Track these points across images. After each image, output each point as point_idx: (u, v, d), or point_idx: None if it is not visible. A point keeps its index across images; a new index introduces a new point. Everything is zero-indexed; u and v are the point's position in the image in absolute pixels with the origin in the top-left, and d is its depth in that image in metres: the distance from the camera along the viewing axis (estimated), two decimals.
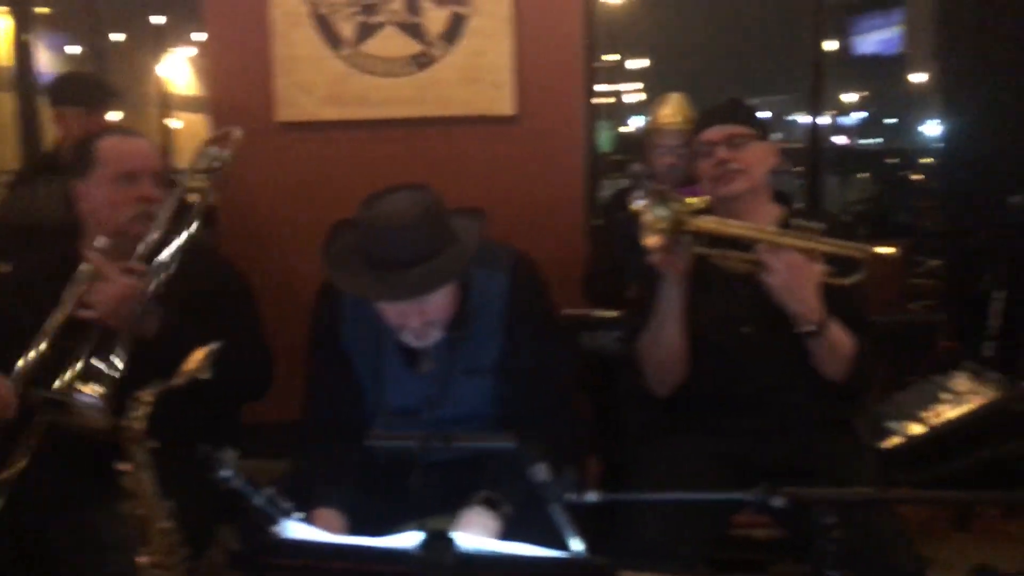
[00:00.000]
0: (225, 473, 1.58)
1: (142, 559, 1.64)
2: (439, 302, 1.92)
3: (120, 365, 1.94)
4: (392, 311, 1.93)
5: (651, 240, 2.01)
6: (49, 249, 2.30)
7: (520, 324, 2.06)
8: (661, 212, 2.00)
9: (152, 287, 2.04)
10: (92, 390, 1.90)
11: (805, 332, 2.07)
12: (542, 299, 2.14)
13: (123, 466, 1.64)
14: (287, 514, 1.63)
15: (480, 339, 2.05)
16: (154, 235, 2.15)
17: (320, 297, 2.16)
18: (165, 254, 2.11)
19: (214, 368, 1.65)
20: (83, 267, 2.09)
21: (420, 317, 1.91)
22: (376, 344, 2.07)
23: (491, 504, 1.86)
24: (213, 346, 1.64)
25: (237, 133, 2.39)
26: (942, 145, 4.61)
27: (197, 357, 1.62)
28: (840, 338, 2.10)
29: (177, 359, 1.78)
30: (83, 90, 3.63)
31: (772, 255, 2.03)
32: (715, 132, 2.26)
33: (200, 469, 2.13)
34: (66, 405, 1.91)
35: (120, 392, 1.85)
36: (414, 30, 3.84)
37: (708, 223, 2.05)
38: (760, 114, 2.39)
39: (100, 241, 2.09)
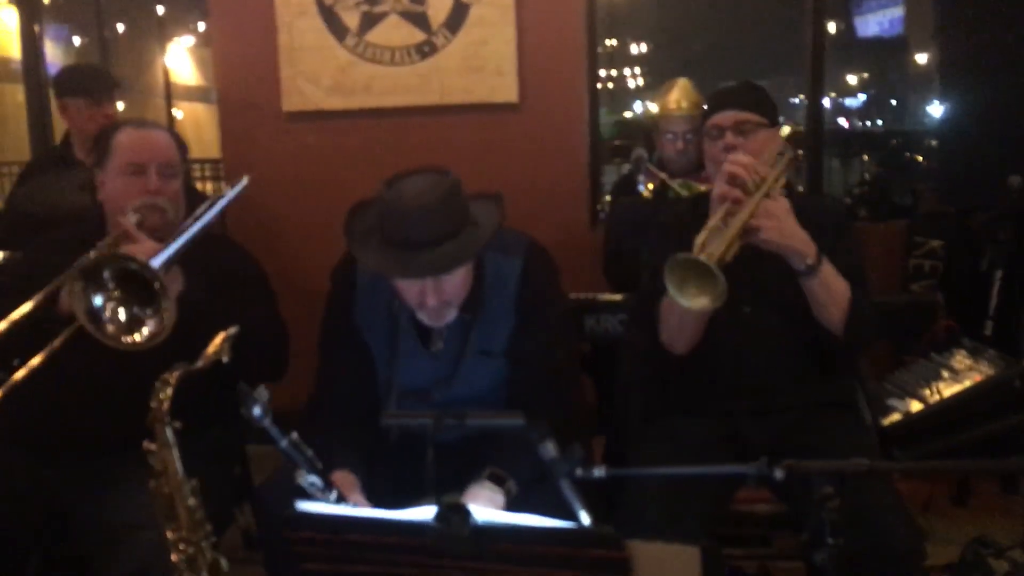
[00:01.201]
0: (257, 411, 1.65)
1: (169, 535, 1.70)
2: (456, 282, 1.98)
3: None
4: (410, 290, 1.98)
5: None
6: (67, 236, 2.34)
7: (531, 308, 2.11)
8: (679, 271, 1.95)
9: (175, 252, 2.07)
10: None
11: (806, 267, 2.11)
12: (553, 285, 2.19)
13: (149, 445, 1.69)
14: (310, 462, 1.72)
15: (493, 321, 2.10)
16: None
17: (334, 277, 2.21)
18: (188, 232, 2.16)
19: (235, 348, 1.70)
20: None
21: (437, 296, 1.96)
22: (390, 323, 2.12)
23: (497, 480, 1.92)
24: (233, 330, 1.70)
25: (245, 180, 2.51)
26: (943, 126, 4.62)
27: (218, 340, 1.67)
28: (835, 279, 2.16)
29: (198, 326, 1.89)
30: (87, 81, 3.66)
31: (757, 219, 2.07)
32: (724, 117, 2.29)
33: (217, 451, 2.22)
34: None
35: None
36: (418, 19, 3.88)
37: (718, 251, 1.99)
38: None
39: (132, 216, 2.15)
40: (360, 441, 2.07)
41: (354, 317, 2.16)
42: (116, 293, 1.94)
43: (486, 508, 1.73)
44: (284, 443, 1.73)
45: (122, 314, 1.95)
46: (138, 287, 1.94)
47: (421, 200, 1.90)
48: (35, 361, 2.03)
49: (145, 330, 1.93)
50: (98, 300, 1.93)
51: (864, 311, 2.17)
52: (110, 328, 1.94)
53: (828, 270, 2.14)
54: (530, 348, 2.10)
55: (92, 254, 1.95)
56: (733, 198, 2.07)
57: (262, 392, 1.69)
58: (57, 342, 2.04)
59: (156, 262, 1.94)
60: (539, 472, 1.68)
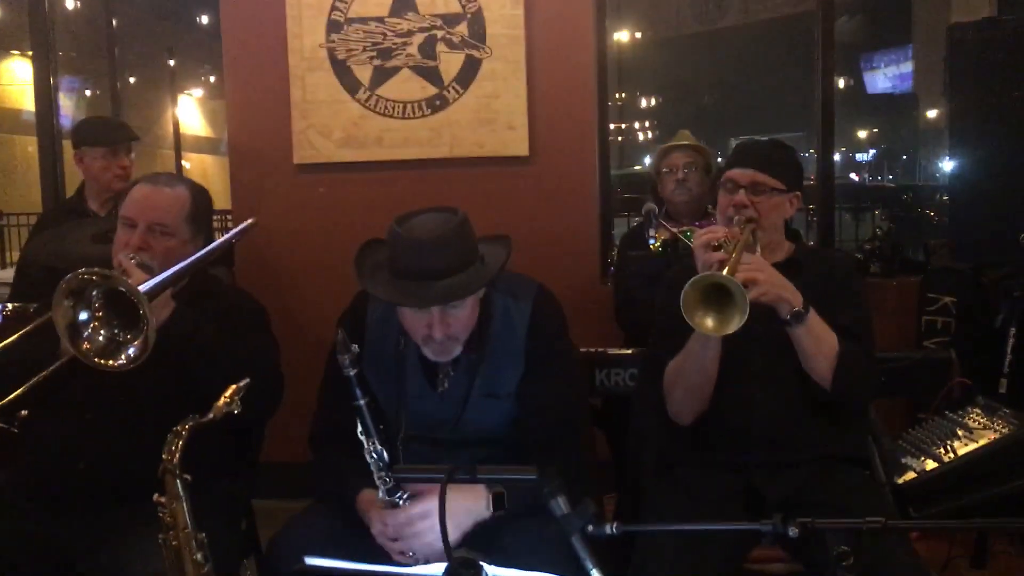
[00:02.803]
0: (346, 360, 1.87)
1: None
2: (462, 317, 2.03)
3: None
4: (417, 323, 2.02)
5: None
6: None
7: (540, 354, 2.13)
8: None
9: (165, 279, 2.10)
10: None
11: (792, 315, 2.11)
12: (561, 331, 2.22)
13: (160, 498, 1.69)
14: (379, 432, 1.91)
15: (499, 364, 2.12)
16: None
17: (342, 324, 2.22)
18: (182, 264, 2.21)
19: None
20: None
21: (443, 329, 2.00)
22: (397, 365, 2.15)
23: (496, 500, 1.93)
24: (244, 381, 1.70)
25: (251, 220, 2.62)
26: (954, 182, 4.62)
27: (229, 392, 1.67)
28: (822, 330, 2.16)
29: (185, 356, 2.04)
30: (105, 132, 3.73)
31: (750, 272, 2.07)
32: (742, 174, 2.30)
33: (224, 505, 2.20)
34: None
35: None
36: (429, 73, 3.93)
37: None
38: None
39: (134, 257, 2.18)
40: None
41: (360, 362, 2.15)
42: (101, 313, 1.96)
43: (468, 507, 1.86)
44: (361, 402, 1.88)
45: (103, 335, 1.96)
46: (123, 311, 1.95)
47: (431, 234, 1.98)
48: (18, 392, 2.08)
49: (123, 354, 1.95)
50: (83, 316, 1.95)
51: (854, 364, 2.17)
52: (85, 345, 1.95)
53: (815, 320, 2.14)
54: (540, 392, 2.11)
55: (82, 272, 1.97)
56: (718, 260, 2.09)
57: (354, 347, 1.86)
58: (46, 372, 2.08)
59: (144, 287, 1.96)
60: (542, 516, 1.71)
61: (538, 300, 2.18)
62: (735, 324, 1.95)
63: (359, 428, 1.92)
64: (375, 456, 1.92)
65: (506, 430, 2.13)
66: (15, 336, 2.19)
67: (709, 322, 1.98)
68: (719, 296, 1.97)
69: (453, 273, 1.96)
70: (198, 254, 2.25)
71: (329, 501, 2.13)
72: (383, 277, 2.02)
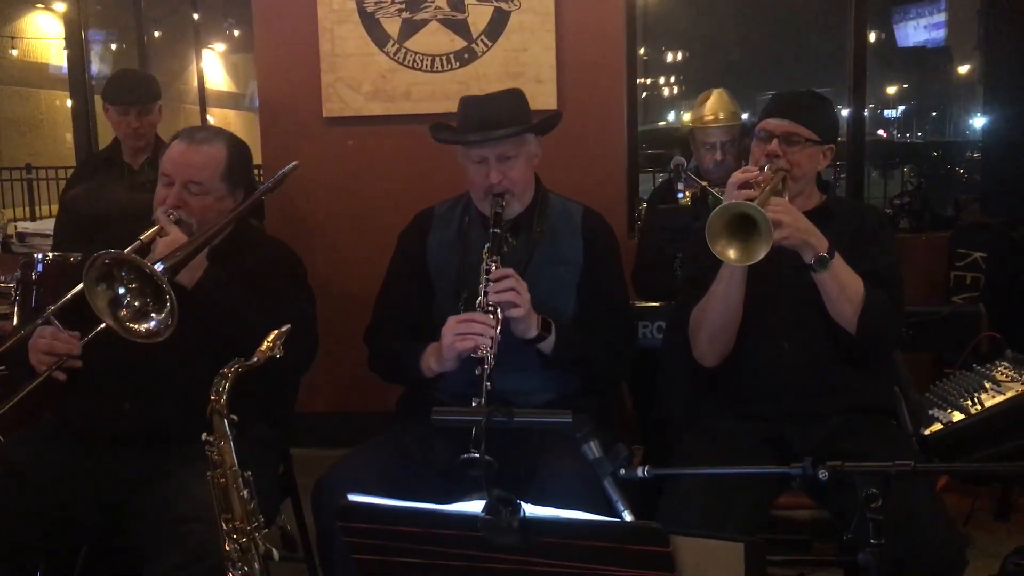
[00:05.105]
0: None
1: (224, 526, 1.76)
2: (516, 169, 2.36)
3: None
4: (479, 174, 2.36)
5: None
6: (125, 234, 2.37)
7: (596, 232, 2.46)
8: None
9: (201, 241, 2.18)
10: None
11: (818, 259, 2.13)
12: (612, 232, 2.53)
13: (208, 437, 1.75)
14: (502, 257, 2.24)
15: (560, 236, 2.43)
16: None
17: (412, 221, 2.57)
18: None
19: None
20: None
21: (499, 176, 2.33)
22: (462, 245, 2.44)
23: (544, 325, 2.25)
24: (285, 327, 1.74)
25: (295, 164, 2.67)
26: (985, 138, 4.57)
27: (271, 337, 1.72)
28: (848, 275, 2.16)
29: (214, 310, 2.11)
30: (116, 90, 3.72)
31: (776, 213, 2.08)
32: (777, 124, 2.30)
33: (263, 448, 2.26)
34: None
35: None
36: (458, 26, 3.92)
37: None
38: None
39: (172, 214, 2.24)
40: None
41: (426, 258, 2.46)
42: (134, 285, 2.05)
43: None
44: (496, 230, 2.27)
45: (138, 303, 2.05)
46: (152, 282, 2.02)
47: (490, 95, 2.41)
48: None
49: (146, 324, 2.03)
50: (120, 290, 2.04)
51: (879, 310, 2.17)
52: (123, 312, 2.03)
53: (839, 265, 2.15)
54: (597, 281, 2.41)
55: (106, 256, 2.02)
56: (746, 197, 2.11)
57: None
58: (91, 334, 2.14)
59: (160, 266, 2.01)
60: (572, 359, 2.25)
61: (587, 207, 2.52)
62: (760, 253, 1.98)
63: (486, 247, 2.25)
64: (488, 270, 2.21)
65: (564, 300, 2.38)
66: (69, 295, 2.25)
67: (732, 252, 2.02)
68: (744, 228, 2.00)
69: (508, 125, 2.32)
70: (233, 212, 2.31)
71: (394, 372, 2.43)
72: (451, 132, 2.41)
